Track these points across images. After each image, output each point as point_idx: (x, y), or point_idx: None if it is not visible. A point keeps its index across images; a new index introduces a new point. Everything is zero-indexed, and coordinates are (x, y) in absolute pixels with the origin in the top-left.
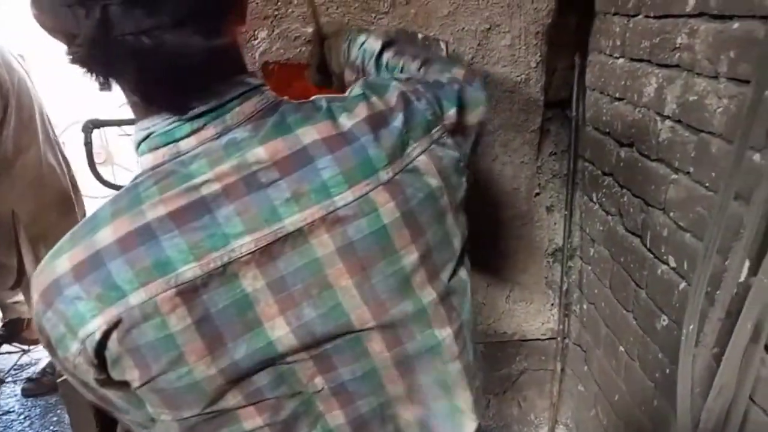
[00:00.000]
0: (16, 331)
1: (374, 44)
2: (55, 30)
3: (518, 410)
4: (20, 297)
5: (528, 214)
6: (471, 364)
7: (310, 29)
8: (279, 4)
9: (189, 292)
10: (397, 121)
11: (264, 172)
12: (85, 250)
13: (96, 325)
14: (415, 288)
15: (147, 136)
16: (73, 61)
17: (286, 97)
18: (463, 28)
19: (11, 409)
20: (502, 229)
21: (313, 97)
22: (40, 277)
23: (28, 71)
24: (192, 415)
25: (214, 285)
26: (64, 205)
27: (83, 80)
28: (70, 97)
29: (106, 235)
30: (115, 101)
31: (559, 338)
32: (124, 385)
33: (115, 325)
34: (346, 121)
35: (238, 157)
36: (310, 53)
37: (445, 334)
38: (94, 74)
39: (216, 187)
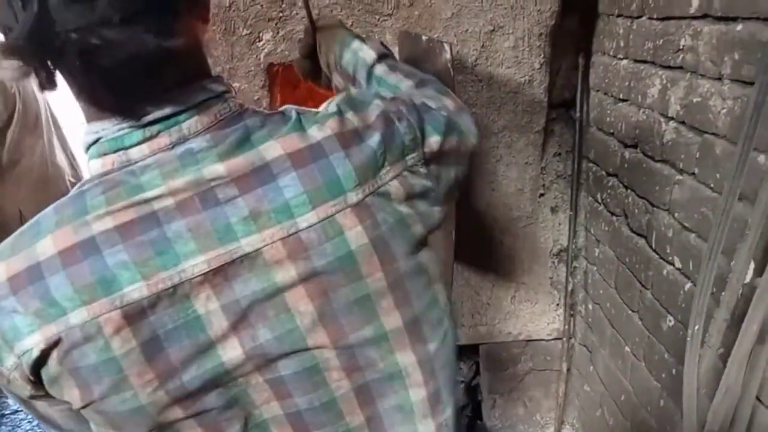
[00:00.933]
0: None
1: (368, 54)
2: None
3: (524, 410)
4: None
5: (533, 215)
6: (440, 393)
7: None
8: (283, 6)
9: (135, 314)
10: (373, 140)
11: (222, 188)
12: (23, 261)
13: (33, 342)
14: (380, 313)
15: (95, 141)
16: (8, 54)
17: (251, 107)
18: (467, 30)
19: (19, 408)
20: (506, 229)
21: (283, 107)
22: None
23: None
24: None
25: (163, 306)
26: None
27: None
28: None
29: (47, 246)
30: None
31: (564, 338)
32: (64, 403)
33: (54, 344)
34: (315, 133)
35: (195, 172)
36: (300, 42)
37: (408, 361)
38: (33, 71)
39: (169, 202)
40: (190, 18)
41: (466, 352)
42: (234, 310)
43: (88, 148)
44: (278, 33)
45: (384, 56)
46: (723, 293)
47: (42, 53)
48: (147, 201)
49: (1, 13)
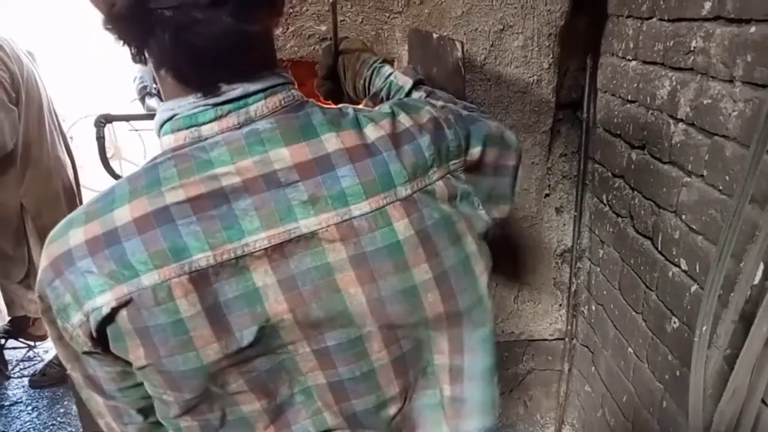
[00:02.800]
0: (23, 328)
1: (404, 80)
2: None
3: (524, 410)
4: (29, 295)
5: (537, 215)
6: (463, 400)
7: (323, 27)
8: (294, 1)
9: (201, 280)
10: (424, 140)
11: (284, 172)
12: (101, 226)
13: (104, 301)
14: (426, 307)
15: (171, 117)
16: (110, 29)
17: (311, 100)
18: (477, 29)
19: (19, 400)
20: (511, 229)
21: (340, 105)
22: (52, 246)
23: (37, 67)
24: (194, 397)
25: (226, 275)
26: (69, 199)
27: (94, 74)
28: (80, 93)
29: (123, 214)
30: (126, 97)
31: (566, 339)
32: (121, 362)
33: (125, 303)
34: (371, 133)
35: (261, 153)
36: (322, 63)
37: (440, 361)
38: (127, 44)
39: (236, 180)
40: (266, 8)
41: None
42: (289, 286)
43: (162, 124)
44: (288, 29)
45: (420, 82)
46: (731, 294)
47: (138, 28)
48: (216, 177)
49: None
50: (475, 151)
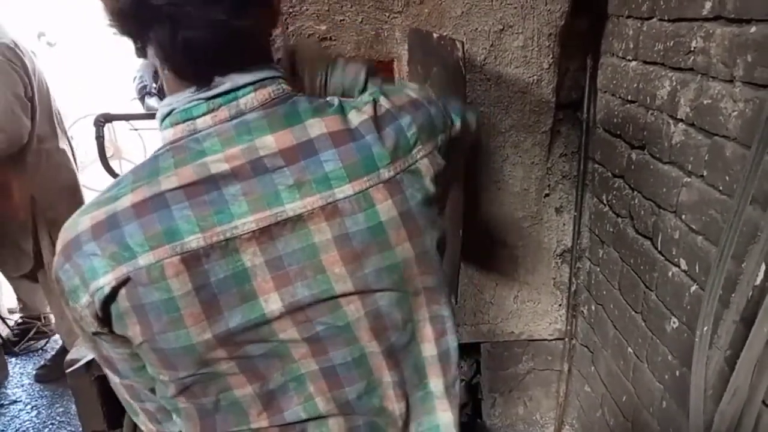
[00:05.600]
0: (29, 332)
1: (359, 73)
2: None
3: (524, 409)
4: (37, 291)
5: (537, 215)
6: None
7: (323, 27)
8: (294, 1)
9: (192, 260)
10: (405, 120)
11: (270, 159)
12: (105, 212)
13: (106, 281)
14: (407, 281)
15: (170, 112)
16: (114, 24)
17: (301, 92)
18: (477, 29)
19: (18, 399)
20: (511, 229)
21: (327, 97)
22: (65, 233)
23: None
24: (187, 375)
25: (216, 257)
26: (74, 194)
27: (96, 75)
28: (79, 92)
29: (125, 201)
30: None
31: (566, 339)
32: (125, 342)
33: (123, 282)
34: (354, 119)
35: (248, 142)
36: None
37: (424, 325)
38: (131, 38)
39: (225, 167)
40: (258, 6)
41: (467, 350)
42: (276, 266)
43: (163, 119)
44: (288, 29)
45: (373, 70)
46: (733, 295)
47: (139, 23)
48: (206, 165)
49: None
50: (456, 126)
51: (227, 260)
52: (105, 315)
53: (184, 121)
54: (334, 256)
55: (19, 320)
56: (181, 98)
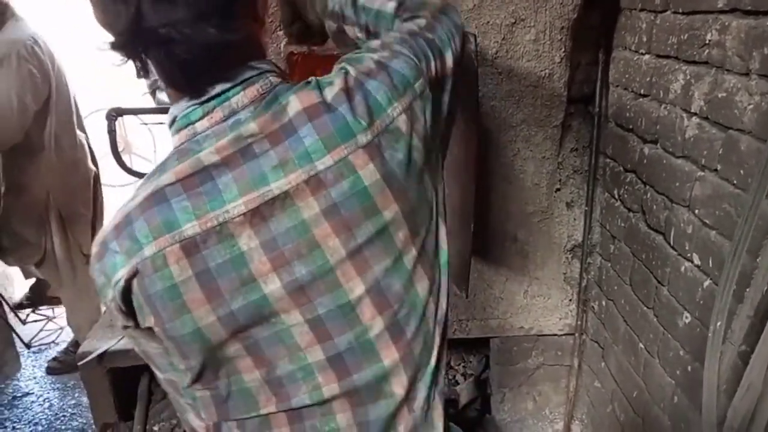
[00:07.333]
0: (42, 293)
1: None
2: (102, 22)
3: (533, 405)
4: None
5: (548, 210)
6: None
7: None
8: None
9: (191, 247)
10: (372, 84)
11: (258, 144)
12: (123, 214)
13: (122, 274)
14: (398, 245)
15: (173, 120)
16: (114, 48)
17: (287, 80)
18: (488, 22)
19: (30, 391)
20: (521, 224)
21: (308, 78)
22: (96, 238)
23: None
24: (198, 362)
25: (212, 242)
26: (90, 190)
27: (108, 69)
28: (90, 86)
29: (136, 201)
30: (137, 91)
31: (576, 334)
32: (153, 335)
33: (134, 274)
34: (328, 93)
35: (235, 131)
36: (281, 12)
37: (422, 289)
38: (131, 60)
39: (216, 158)
40: (245, 18)
41: (477, 345)
42: (271, 247)
43: (170, 127)
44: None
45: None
46: (747, 290)
47: (136, 46)
48: (199, 159)
49: (109, 15)
50: (432, 65)
51: (223, 245)
52: (128, 308)
53: (185, 127)
54: (326, 229)
55: (29, 293)
56: (180, 106)
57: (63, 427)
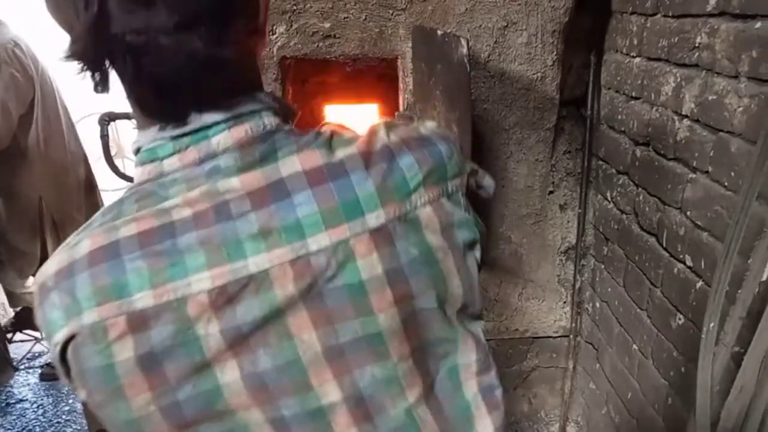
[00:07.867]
0: (27, 319)
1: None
2: (57, 19)
3: (528, 407)
4: (31, 288)
5: (541, 212)
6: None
7: (327, 24)
8: None
9: (139, 323)
10: (405, 160)
11: (236, 203)
12: (67, 258)
13: (59, 336)
14: (391, 352)
15: (137, 150)
16: (69, 55)
17: (289, 126)
18: (480, 26)
19: (24, 398)
20: (515, 226)
21: (324, 124)
22: (37, 276)
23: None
24: None
25: (165, 320)
26: (84, 194)
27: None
28: (83, 90)
29: (84, 247)
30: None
31: (571, 336)
32: None
33: (70, 339)
34: (340, 152)
35: (211, 182)
36: None
37: (413, 399)
38: (89, 71)
39: (187, 212)
40: (242, 29)
41: None
42: (234, 335)
43: (135, 155)
44: (291, 26)
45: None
46: (739, 291)
47: (97, 53)
48: (167, 210)
49: (65, 12)
50: (468, 170)
51: (177, 326)
52: (67, 372)
53: (150, 161)
54: (302, 317)
55: (13, 319)
56: (148, 136)
57: None
